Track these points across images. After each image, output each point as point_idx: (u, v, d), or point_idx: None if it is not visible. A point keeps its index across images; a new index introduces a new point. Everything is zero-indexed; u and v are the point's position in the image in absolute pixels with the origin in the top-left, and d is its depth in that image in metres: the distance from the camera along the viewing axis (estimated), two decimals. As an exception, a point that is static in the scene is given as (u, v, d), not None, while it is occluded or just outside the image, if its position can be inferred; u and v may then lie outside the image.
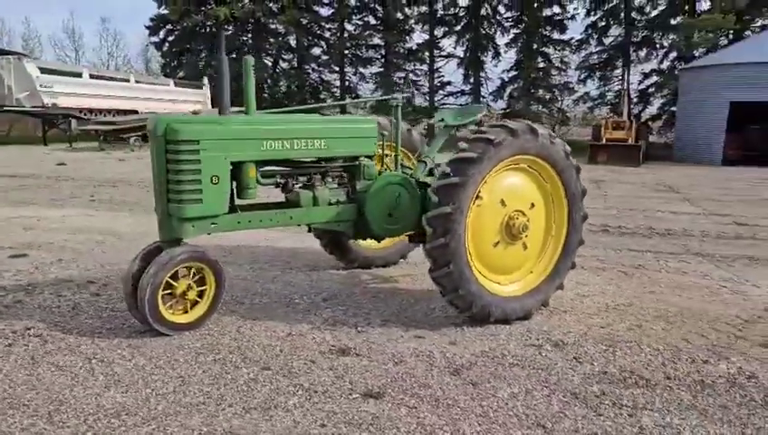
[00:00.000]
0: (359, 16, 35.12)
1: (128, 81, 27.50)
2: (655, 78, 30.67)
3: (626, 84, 25.87)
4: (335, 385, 3.29)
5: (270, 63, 35.97)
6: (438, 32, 34.88)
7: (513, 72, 33.50)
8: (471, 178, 4.00)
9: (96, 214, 8.73)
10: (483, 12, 33.68)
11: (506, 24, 33.87)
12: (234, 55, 31.25)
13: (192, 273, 3.96)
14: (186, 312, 3.99)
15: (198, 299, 4.03)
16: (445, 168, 4.08)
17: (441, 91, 35.01)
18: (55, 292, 4.82)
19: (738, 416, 3.07)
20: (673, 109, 27.34)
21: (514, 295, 4.37)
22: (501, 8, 33.83)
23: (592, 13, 31.82)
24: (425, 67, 35.19)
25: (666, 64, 30.66)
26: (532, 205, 4.41)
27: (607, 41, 32.06)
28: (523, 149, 4.20)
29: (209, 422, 2.87)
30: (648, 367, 3.63)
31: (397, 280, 5.41)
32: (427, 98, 34.92)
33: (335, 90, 36.33)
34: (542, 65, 32.62)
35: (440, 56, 34.99)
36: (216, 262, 4.05)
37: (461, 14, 34.14)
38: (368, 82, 35.21)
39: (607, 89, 32.14)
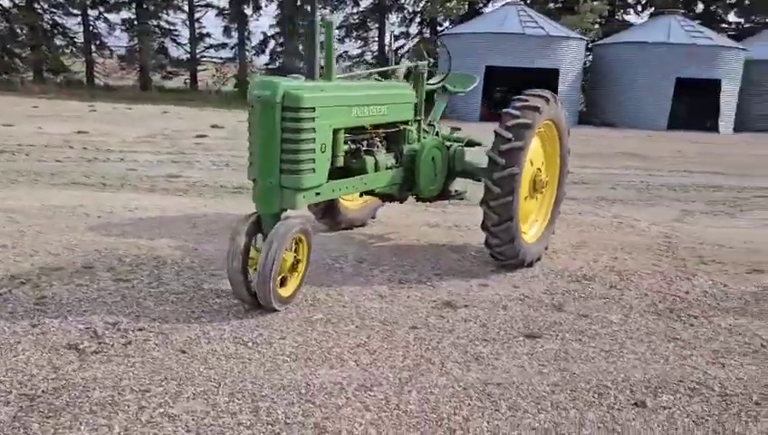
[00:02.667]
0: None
1: None
2: (411, 40, 33.54)
3: (389, 46, 27.90)
4: (490, 332, 3.65)
5: (-14, -1, 29.93)
6: (195, -22, 32.83)
7: (277, 29, 33.36)
8: (527, 142, 4.56)
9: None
10: (243, -39, 32.63)
11: (267, -23, 33.37)
12: None
13: (294, 245, 3.83)
14: (283, 285, 3.86)
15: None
16: (503, 132, 4.54)
17: (201, 44, 33.24)
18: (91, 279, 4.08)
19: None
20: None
21: (532, 242, 5.10)
22: (261, -41, 33.14)
23: (350, -27, 33.21)
24: (183, 16, 32.95)
25: (414, 29, 33.72)
26: (542, 163, 5.15)
27: (363, 3, 33.89)
28: (550, 115, 4.88)
29: (450, 380, 3.05)
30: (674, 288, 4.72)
31: (390, 238, 5.72)
32: (187, 50, 32.89)
33: (75, 36, 31.89)
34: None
35: (199, 5, 33.04)
36: (311, 232, 3.96)
37: (220, -38, 32.59)
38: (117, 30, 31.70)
39: (366, 49, 34.17)
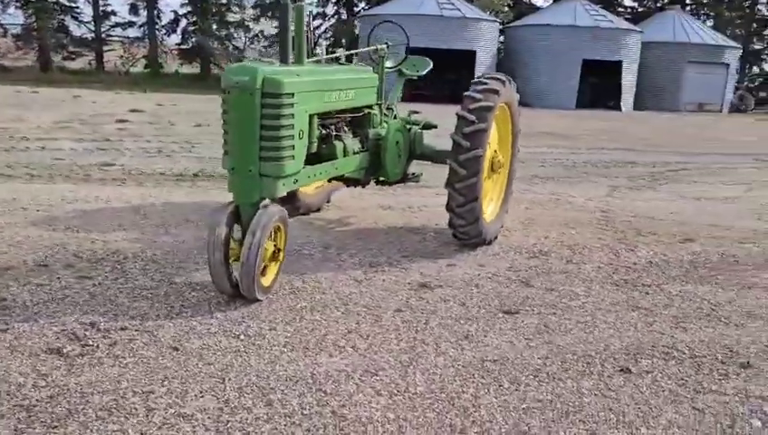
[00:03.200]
0: None
1: None
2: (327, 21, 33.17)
3: (308, 27, 27.44)
4: (471, 311, 3.78)
5: None
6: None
7: (188, 8, 31.99)
8: (490, 124, 4.70)
9: None
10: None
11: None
12: None
13: (273, 234, 3.78)
14: (263, 274, 3.80)
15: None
16: (467, 115, 4.64)
17: (107, 22, 31.32)
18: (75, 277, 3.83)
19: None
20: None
21: (491, 221, 5.28)
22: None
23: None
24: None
25: (330, 9, 33.35)
26: (497, 144, 5.32)
27: (277, -19, 33.01)
28: (505, 97, 5.03)
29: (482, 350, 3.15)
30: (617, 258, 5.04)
31: (350, 222, 5.73)
32: (91, 28, 30.91)
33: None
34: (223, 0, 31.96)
35: (102, -19, 31.06)
36: (287, 221, 3.92)
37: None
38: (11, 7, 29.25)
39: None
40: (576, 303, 4.00)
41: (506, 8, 31.57)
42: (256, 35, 34.15)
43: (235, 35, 33.59)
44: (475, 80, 4.94)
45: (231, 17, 32.86)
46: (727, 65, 31.95)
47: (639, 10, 38.76)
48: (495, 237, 5.26)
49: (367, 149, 4.77)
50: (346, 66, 4.93)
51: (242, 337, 3.23)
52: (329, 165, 4.27)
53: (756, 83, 40.97)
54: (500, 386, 2.87)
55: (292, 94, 3.59)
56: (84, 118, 12.77)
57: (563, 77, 26.32)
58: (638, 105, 28.00)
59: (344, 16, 33.02)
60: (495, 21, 26.53)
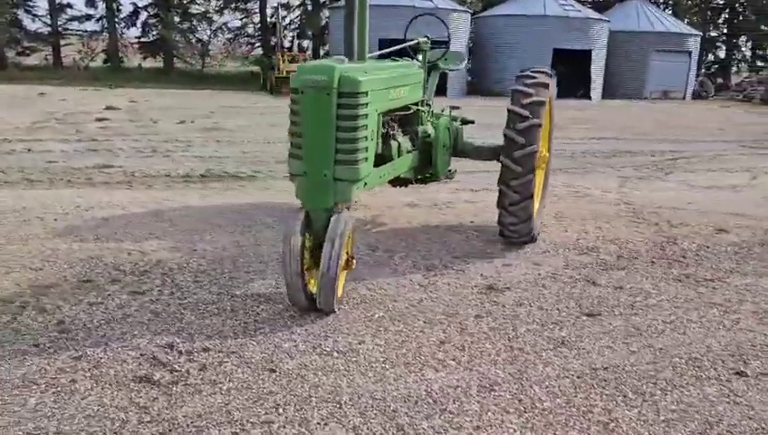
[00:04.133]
0: None
1: None
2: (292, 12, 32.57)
3: (277, 19, 26.92)
4: (552, 315, 3.65)
5: None
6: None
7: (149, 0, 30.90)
8: (542, 118, 4.56)
9: None
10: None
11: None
12: None
13: (345, 241, 3.56)
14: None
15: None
16: (520, 111, 4.49)
17: (63, 15, 29.98)
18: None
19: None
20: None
21: (536, 217, 5.16)
22: None
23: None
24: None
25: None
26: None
27: (242, -29, 32.26)
28: (551, 90, 4.91)
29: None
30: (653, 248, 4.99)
31: (383, 221, 5.54)
32: (47, 22, 29.57)
33: None
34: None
35: (57, -28, 29.67)
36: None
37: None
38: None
39: (248, 21, 32.71)
40: (652, 301, 3.91)
41: (474, -3, 31.57)
42: (220, 28, 33.33)
43: (199, 28, 32.67)
44: (522, 73, 4.78)
45: (194, 9, 31.92)
46: (690, 53, 32.71)
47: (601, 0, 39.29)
48: (539, 233, 5.15)
49: (416, 147, 4.58)
50: (400, 62, 4.71)
51: (335, 354, 3.03)
52: (389, 166, 4.08)
53: (712, 70, 42.17)
54: (625, 397, 2.74)
55: (367, 93, 3.38)
56: (60, 117, 12.17)
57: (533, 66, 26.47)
58: (606, 94, 28.41)
59: (310, 7, 32.42)
60: (467, 11, 26.46)
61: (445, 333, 3.32)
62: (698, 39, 33.53)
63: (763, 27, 49.86)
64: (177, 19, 30.93)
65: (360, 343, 3.15)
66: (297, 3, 33.18)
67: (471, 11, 27.79)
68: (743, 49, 51.67)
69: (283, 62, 21.67)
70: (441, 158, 4.71)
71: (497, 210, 4.71)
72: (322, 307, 3.39)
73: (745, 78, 40.32)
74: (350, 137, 3.35)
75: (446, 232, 5.30)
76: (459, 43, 25.43)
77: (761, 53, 51.96)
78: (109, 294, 3.62)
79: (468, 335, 3.31)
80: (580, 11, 27.50)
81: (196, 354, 2.95)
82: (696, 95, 33.26)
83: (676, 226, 5.86)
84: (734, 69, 52.78)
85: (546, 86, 4.65)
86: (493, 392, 2.73)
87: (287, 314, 3.45)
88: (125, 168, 7.47)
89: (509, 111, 4.54)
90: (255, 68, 27.16)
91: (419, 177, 4.91)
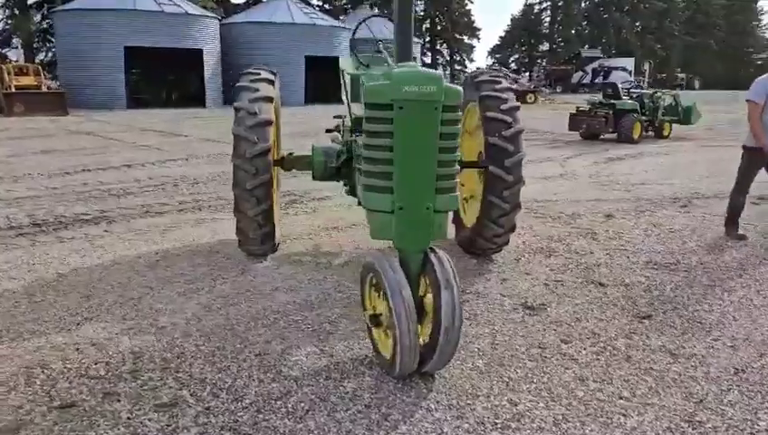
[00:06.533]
0: None
1: None
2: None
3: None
4: (601, 324, 3.55)
5: None
6: None
7: None
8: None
9: None
10: None
11: None
12: None
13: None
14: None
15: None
16: (504, 117, 4.27)
17: None
18: None
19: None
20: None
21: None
22: None
23: None
24: None
25: None
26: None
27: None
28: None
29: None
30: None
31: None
32: None
33: None
34: None
35: None
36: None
37: None
38: None
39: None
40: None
41: (213, 3, 30.34)
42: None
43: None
44: (484, 78, 4.55)
45: None
46: (414, 58, 36.01)
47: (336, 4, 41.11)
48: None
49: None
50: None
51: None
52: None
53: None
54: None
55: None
56: None
57: (291, 74, 26.55)
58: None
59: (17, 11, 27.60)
60: (216, 18, 25.28)
61: (573, 367, 2.98)
62: (419, 46, 37.27)
63: (457, 36, 57.93)
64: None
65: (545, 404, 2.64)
66: (-1, 3, 28.09)
67: (219, 17, 26.63)
68: (444, 54, 59.43)
69: (10, 75, 18.01)
70: None
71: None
72: (434, 369, 2.79)
73: (456, 80, 46.28)
74: (451, 159, 2.78)
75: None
76: (212, 52, 24.25)
77: (458, 58, 60.40)
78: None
79: (588, 370, 3.02)
80: (324, 19, 28.36)
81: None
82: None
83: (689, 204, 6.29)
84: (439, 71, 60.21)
85: (512, 90, 4.52)
86: (693, 427, 2.50)
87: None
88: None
89: (488, 117, 4.30)
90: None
91: None
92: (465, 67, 59.35)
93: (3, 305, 3.61)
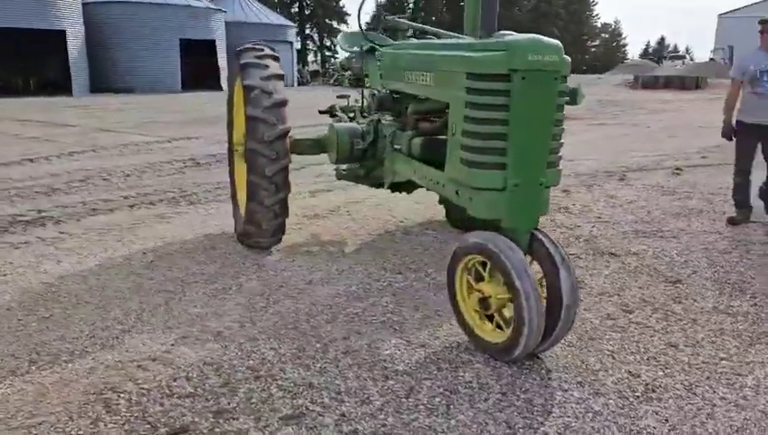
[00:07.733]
0: None
1: None
2: None
3: None
4: (646, 292, 3.70)
5: None
6: None
7: None
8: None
9: None
10: None
11: None
12: None
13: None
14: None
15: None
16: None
17: None
18: None
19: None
20: None
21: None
22: None
23: None
24: None
25: None
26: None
27: None
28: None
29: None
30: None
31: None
32: None
33: None
34: None
35: None
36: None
37: None
38: None
39: None
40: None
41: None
42: None
43: None
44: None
45: None
46: (291, 43, 35.47)
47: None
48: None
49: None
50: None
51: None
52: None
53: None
54: None
55: (558, 75, 2.76)
56: None
57: (164, 58, 24.90)
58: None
59: None
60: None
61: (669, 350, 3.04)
62: (294, 30, 36.57)
63: (327, 20, 57.59)
64: None
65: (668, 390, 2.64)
66: None
67: (81, -2, 24.23)
68: (314, 38, 58.88)
69: None
70: None
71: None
72: (548, 348, 2.72)
73: (330, 65, 46.14)
74: (560, 132, 2.70)
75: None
76: (77, 34, 22.12)
77: (328, 43, 60.01)
78: None
79: (681, 366, 3.11)
80: (201, 0, 26.88)
81: None
82: (300, 82, 36.45)
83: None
84: (311, 57, 59.74)
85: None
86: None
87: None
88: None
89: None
90: None
91: None
92: (336, 53, 59.15)
93: (7, 325, 2.99)
